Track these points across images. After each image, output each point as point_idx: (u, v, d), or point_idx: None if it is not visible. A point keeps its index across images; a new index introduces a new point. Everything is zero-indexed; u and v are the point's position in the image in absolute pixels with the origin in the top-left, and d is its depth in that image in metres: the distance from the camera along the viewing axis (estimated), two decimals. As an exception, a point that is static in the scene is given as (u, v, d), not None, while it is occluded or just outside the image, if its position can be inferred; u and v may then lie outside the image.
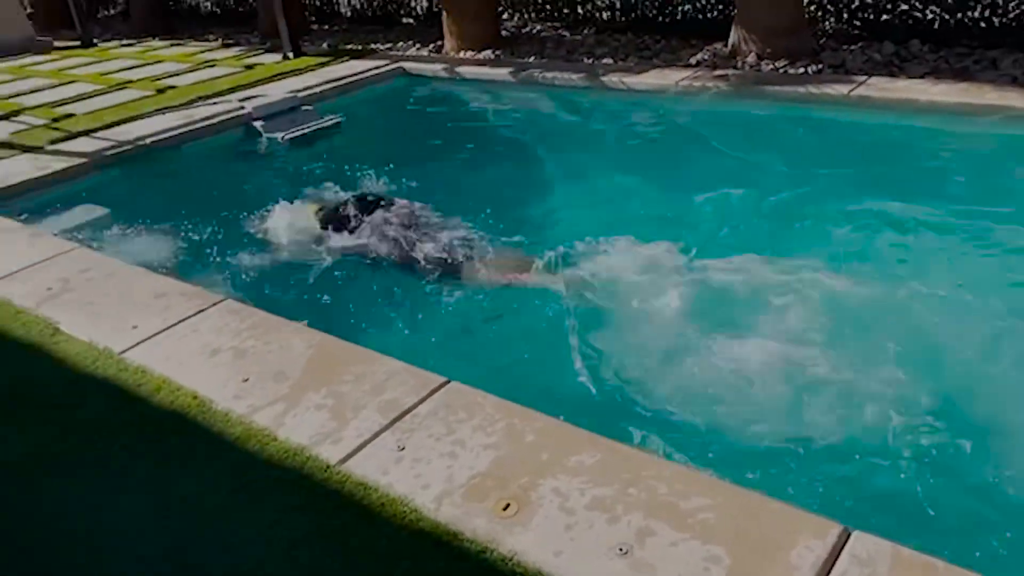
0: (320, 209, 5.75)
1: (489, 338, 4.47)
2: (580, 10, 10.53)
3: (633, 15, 9.94)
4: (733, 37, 8.26)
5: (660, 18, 9.70)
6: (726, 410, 3.49)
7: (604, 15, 10.29)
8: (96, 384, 3.56)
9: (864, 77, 7.07)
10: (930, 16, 7.89)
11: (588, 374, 3.84)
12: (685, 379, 3.75)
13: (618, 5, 10.07)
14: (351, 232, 5.39)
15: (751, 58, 7.95)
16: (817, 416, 3.40)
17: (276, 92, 8.53)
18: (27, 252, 5.02)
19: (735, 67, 7.93)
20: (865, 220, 5.09)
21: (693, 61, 8.27)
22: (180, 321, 4.01)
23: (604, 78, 8.12)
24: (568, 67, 8.69)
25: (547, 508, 2.54)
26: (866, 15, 8.33)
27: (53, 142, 7.53)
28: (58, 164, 6.89)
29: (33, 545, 2.69)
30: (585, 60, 8.93)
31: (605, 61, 8.77)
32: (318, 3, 13.44)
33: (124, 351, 3.78)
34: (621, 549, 2.38)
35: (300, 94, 8.40)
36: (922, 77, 6.94)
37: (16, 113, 8.88)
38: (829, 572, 2.24)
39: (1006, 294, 4.24)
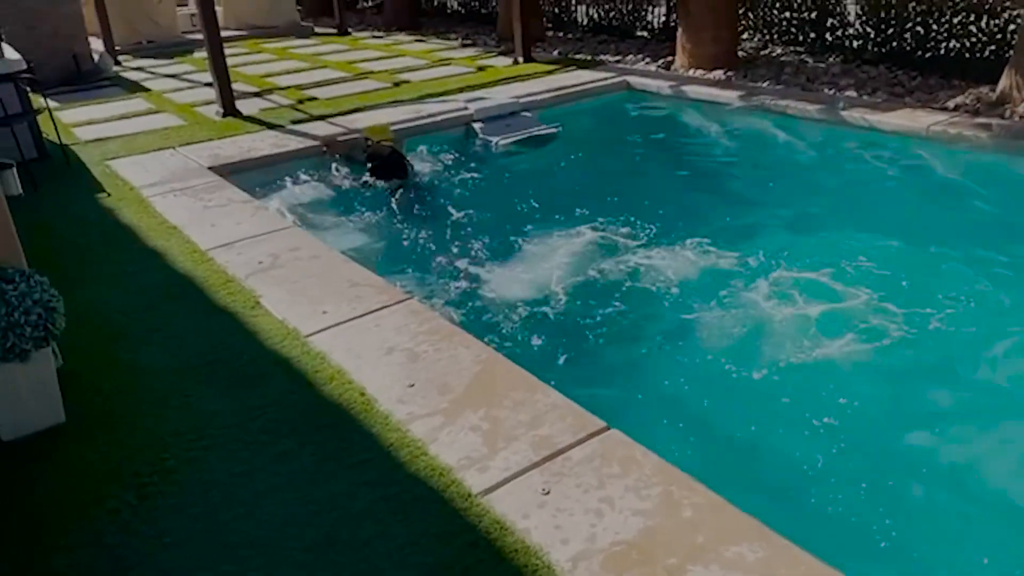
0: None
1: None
2: (828, 36, 9.79)
3: (889, 47, 9.08)
4: (1004, 82, 7.28)
5: (919, 52, 8.78)
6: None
7: (855, 43, 9.49)
8: (280, 363, 3.72)
9: None
10: None
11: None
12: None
13: (872, 34, 9.24)
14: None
15: (1023, 108, 6.96)
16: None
17: (500, 96, 8.67)
18: (248, 224, 5.41)
19: (1002, 116, 6.97)
20: None
21: (951, 104, 7.39)
22: (367, 313, 4.10)
23: (844, 112, 7.46)
24: (805, 96, 8.10)
25: (691, 601, 2.27)
26: None
27: (294, 122, 8.14)
28: (293, 144, 7.42)
29: (203, 516, 2.80)
30: (826, 90, 8.28)
31: (848, 94, 8.07)
32: (556, 11, 13.58)
33: (310, 334, 3.93)
34: (769, 671, 2.06)
35: (522, 100, 8.50)
36: None
37: (270, 91, 9.73)
38: None
39: None
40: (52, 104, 9.12)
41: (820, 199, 6.43)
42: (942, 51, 8.60)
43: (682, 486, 2.72)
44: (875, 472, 3.43)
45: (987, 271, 4.94)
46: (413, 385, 3.44)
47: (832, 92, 8.18)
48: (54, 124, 7.19)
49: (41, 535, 2.75)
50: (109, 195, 6.18)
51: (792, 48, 10.24)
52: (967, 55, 8.38)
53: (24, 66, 6.65)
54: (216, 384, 3.60)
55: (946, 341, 4.30)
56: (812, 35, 9.97)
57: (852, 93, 8.07)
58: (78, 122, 8.52)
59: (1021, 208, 5.91)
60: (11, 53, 6.85)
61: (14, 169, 5.75)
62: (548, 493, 2.73)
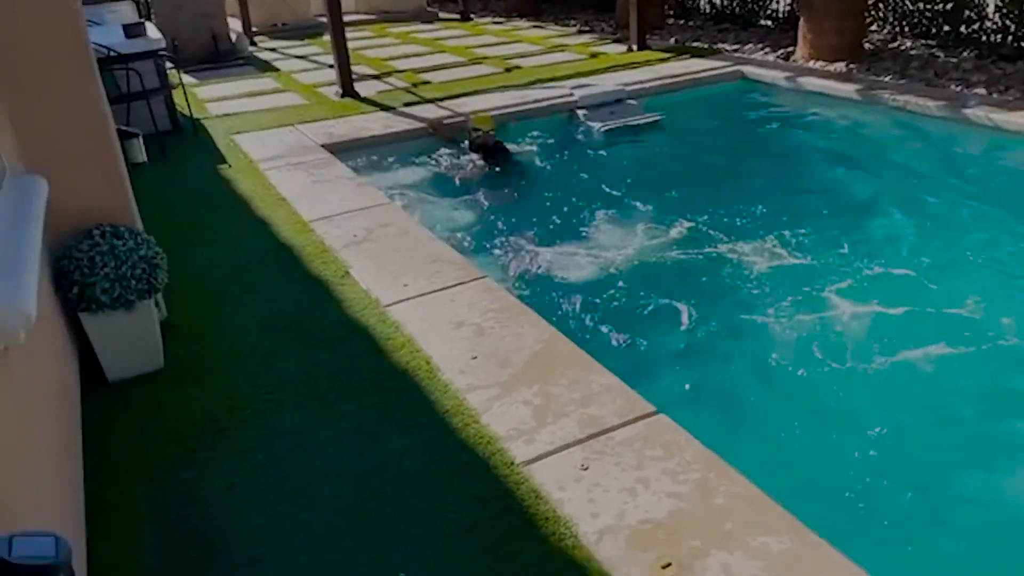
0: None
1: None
2: (963, 29, 9.20)
3: (1031, 41, 8.46)
4: None
5: (1065, 48, 8.14)
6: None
7: (993, 38, 8.89)
8: (357, 329, 3.95)
9: None
10: None
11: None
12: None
13: (1013, 28, 8.62)
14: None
15: None
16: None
17: (607, 83, 8.66)
18: (350, 199, 5.70)
19: None
20: None
21: (1092, 104, 6.84)
22: (443, 288, 4.27)
23: (968, 110, 7.04)
24: (927, 92, 7.67)
25: (707, 583, 2.30)
26: None
27: (406, 104, 8.43)
28: (402, 125, 7.70)
29: (267, 463, 3.05)
30: (953, 87, 7.82)
31: (977, 91, 7.59)
32: (679, -2, 13.37)
33: (389, 304, 4.13)
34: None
35: (629, 87, 8.46)
36: None
37: (388, 74, 10.10)
38: None
39: None
40: (191, 80, 9.86)
41: (928, 198, 6.09)
42: (1092, 47, 7.95)
43: (721, 474, 2.73)
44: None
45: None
46: (476, 358, 3.57)
47: (959, 89, 7.72)
48: (186, 99, 7.76)
49: (128, 465, 3.06)
50: (229, 166, 6.64)
51: (923, 41, 9.69)
52: (1120, 51, 7.71)
53: (163, 44, 7.21)
54: (297, 344, 3.86)
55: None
56: (946, 28, 9.40)
57: (982, 90, 7.58)
58: (212, 98, 9.14)
59: None
60: (153, 32, 7.44)
61: (140, 138, 6.26)
62: (587, 469, 2.80)
